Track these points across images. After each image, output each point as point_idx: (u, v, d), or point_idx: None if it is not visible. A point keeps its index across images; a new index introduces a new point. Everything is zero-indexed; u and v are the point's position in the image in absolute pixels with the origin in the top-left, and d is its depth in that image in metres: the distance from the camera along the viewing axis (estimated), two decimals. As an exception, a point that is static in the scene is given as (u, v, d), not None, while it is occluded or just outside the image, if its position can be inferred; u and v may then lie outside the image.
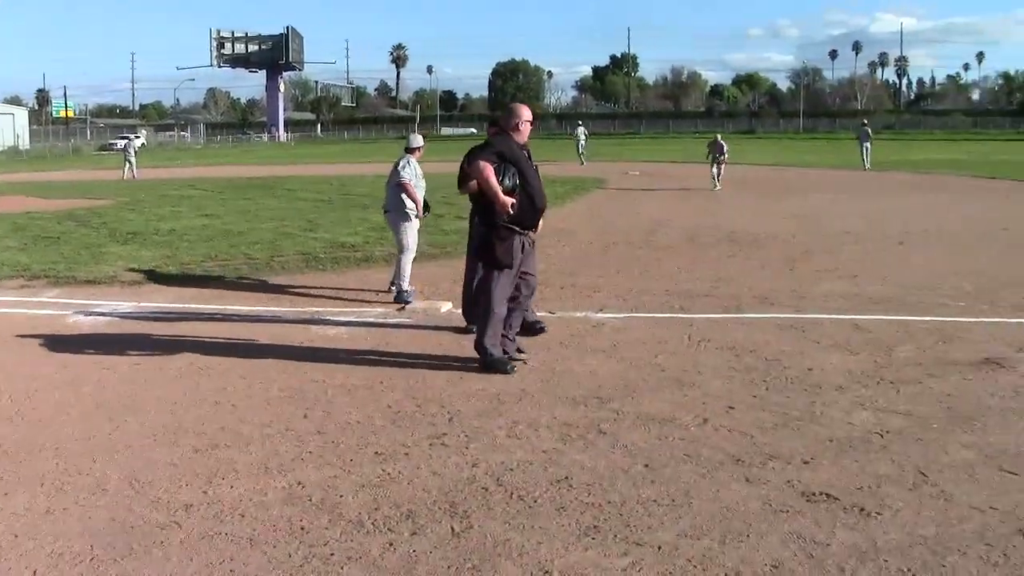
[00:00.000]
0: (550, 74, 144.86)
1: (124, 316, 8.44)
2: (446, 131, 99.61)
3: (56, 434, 5.09)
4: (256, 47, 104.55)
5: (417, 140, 9.26)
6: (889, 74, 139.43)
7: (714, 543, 3.64)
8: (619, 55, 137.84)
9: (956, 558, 3.49)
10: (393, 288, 9.00)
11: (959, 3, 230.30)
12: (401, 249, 8.95)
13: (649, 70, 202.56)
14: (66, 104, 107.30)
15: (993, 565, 3.44)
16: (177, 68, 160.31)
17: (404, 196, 8.84)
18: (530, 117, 6.54)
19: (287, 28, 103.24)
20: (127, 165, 33.99)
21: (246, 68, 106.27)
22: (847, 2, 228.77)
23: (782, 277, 10.06)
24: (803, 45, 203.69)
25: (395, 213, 8.98)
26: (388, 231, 10.15)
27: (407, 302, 8.70)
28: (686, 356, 6.64)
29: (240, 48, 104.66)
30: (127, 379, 6.25)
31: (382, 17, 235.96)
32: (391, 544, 3.68)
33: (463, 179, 7.20)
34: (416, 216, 9.01)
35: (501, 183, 6.10)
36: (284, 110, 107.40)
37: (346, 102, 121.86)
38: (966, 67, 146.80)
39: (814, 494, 4.11)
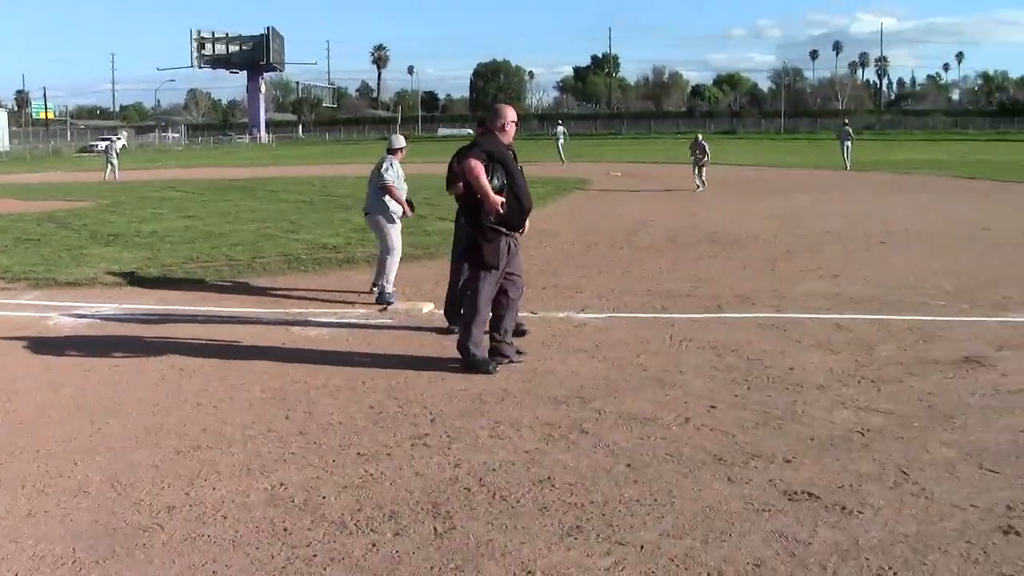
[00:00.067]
0: (531, 74, 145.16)
1: (105, 318, 8.38)
2: (444, 131, 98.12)
3: (37, 436, 5.05)
4: (237, 48, 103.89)
5: (399, 141, 9.24)
6: (870, 74, 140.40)
7: (696, 542, 3.66)
8: (600, 55, 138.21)
9: (937, 556, 3.52)
10: (375, 289, 8.97)
11: (940, 3, 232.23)
12: (387, 250, 8.92)
13: (630, 70, 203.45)
14: (46, 105, 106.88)
15: (973, 562, 3.47)
16: (158, 69, 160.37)
17: (387, 198, 8.83)
18: (515, 118, 6.57)
19: (268, 29, 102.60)
20: (109, 167, 33.90)
21: (227, 69, 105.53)
22: (829, 2, 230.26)
23: (763, 277, 10.10)
24: (785, 45, 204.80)
25: (378, 215, 8.96)
26: (370, 232, 10.13)
27: (389, 303, 8.68)
28: (668, 356, 6.67)
29: (221, 49, 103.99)
30: (108, 381, 6.22)
31: (363, 18, 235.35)
32: (374, 545, 3.68)
33: (452, 180, 7.20)
34: (400, 217, 9.00)
35: (490, 182, 6.11)
36: (265, 111, 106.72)
37: (327, 103, 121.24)
38: (946, 67, 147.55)
39: (796, 493, 4.13)
